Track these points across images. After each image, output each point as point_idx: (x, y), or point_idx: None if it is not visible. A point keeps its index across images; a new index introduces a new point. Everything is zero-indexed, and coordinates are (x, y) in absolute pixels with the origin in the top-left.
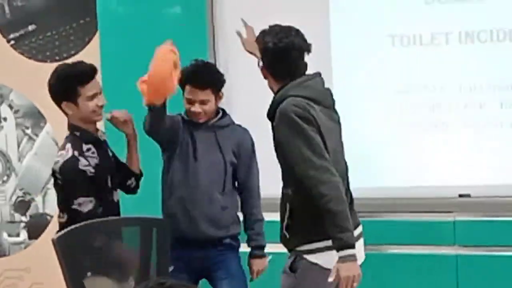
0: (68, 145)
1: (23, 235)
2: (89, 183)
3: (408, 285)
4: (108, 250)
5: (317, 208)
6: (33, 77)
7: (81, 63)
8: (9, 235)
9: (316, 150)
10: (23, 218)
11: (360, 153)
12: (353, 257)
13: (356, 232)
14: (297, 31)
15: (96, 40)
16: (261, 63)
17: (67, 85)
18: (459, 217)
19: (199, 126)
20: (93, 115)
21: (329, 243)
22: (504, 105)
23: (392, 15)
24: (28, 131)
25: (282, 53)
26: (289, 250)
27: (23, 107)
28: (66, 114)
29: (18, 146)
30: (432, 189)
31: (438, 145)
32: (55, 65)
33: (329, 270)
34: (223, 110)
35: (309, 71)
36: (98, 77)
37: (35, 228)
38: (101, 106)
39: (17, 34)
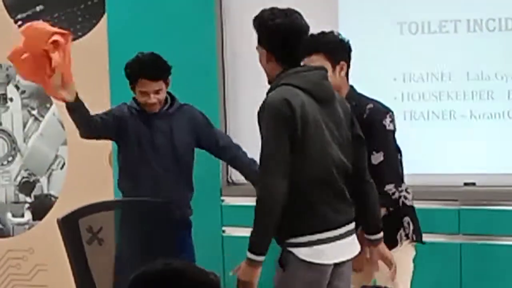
0: None
1: (28, 215)
2: None
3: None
4: (113, 231)
5: (301, 202)
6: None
7: None
8: (14, 216)
9: (278, 151)
10: (28, 199)
11: None
12: (255, 263)
13: (345, 229)
14: (296, 13)
15: (103, 22)
16: (258, 45)
17: None
18: (464, 205)
19: (154, 115)
20: None
21: (312, 237)
22: (511, 94)
23: (401, 2)
24: (34, 112)
25: (279, 31)
26: (278, 243)
27: (30, 88)
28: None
29: (24, 127)
30: (437, 177)
31: (444, 133)
32: None
33: (315, 264)
34: (170, 94)
35: None
36: (106, 59)
37: (40, 209)
38: None
39: (24, 15)
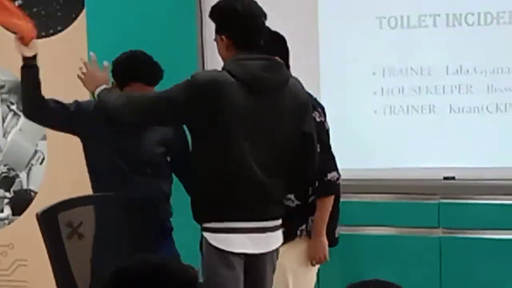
0: None
1: (7, 211)
2: None
3: (391, 267)
4: (93, 226)
5: (215, 190)
6: (19, 53)
7: None
8: None
9: (165, 98)
10: (7, 194)
11: (346, 134)
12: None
13: (261, 225)
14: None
15: (83, 17)
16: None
17: None
18: (443, 199)
19: None
20: None
21: (220, 225)
22: (490, 88)
23: None
24: (13, 107)
25: (238, 14)
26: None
27: (9, 83)
28: None
29: (3, 122)
30: (417, 171)
31: (424, 127)
32: (41, 41)
33: (221, 250)
34: None
35: (297, 52)
36: (85, 54)
37: (19, 204)
38: None
39: None
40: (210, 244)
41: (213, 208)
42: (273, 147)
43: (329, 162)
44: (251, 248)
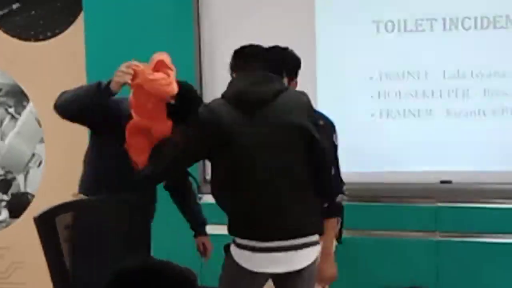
0: None
1: (5, 213)
2: None
3: (388, 270)
4: (88, 228)
5: (235, 206)
6: (17, 56)
7: None
8: None
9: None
10: (5, 197)
11: (343, 138)
12: None
13: (282, 243)
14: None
15: (80, 19)
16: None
17: None
18: (440, 203)
19: None
20: None
21: (242, 241)
22: (487, 93)
23: (377, 1)
24: (11, 110)
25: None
26: None
27: (6, 86)
28: None
29: (1, 125)
30: (414, 175)
31: (421, 131)
32: (39, 44)
33: (239, 265)
34: None
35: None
36: (82, 57)
37: (17, 207)
38: None
39: (1, 13)
40: (232, 256)
41: (239, 225)
42: (282, 158)
43: (337, 185)
44: (271, 267)
